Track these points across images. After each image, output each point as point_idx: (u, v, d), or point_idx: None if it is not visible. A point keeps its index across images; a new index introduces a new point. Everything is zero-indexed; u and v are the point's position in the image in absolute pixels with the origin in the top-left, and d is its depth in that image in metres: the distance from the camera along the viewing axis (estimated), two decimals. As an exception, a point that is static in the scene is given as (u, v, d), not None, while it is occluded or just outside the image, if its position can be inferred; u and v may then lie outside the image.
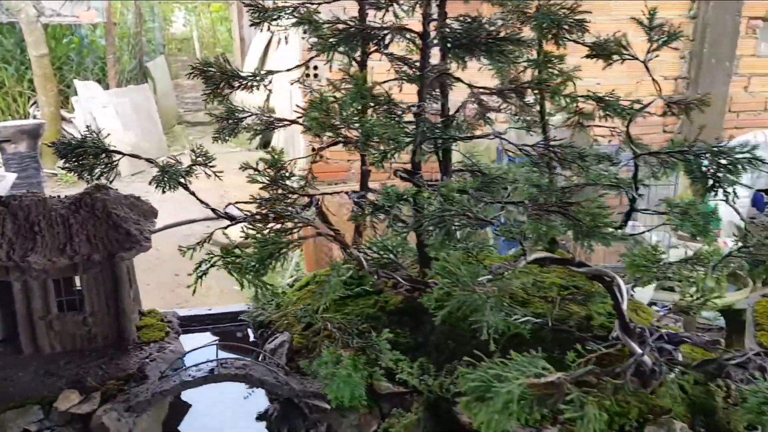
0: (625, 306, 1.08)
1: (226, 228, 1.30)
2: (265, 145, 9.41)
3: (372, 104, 1.27)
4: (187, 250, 1.24)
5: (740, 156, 1.18)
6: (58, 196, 1.44)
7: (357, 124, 1.29)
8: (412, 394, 1.27)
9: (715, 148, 1.19)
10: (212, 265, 1.18)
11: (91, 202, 1.41)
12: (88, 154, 1.38)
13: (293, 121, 1.63)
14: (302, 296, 1.59)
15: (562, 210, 1.16)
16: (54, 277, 1.39)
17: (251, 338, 1.64)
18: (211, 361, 1.28)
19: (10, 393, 1.30)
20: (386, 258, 1.31)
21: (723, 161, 1.19)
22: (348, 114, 1.21)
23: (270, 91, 9.53)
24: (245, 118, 1.67)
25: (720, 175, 1.17)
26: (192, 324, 1.71)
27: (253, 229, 1.17)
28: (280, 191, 1.33)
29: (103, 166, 1.39)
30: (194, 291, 1.19)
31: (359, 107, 1.27)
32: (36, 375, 1.35)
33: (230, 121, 1.67)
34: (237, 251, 1.14)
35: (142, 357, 1.41)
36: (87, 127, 1.43)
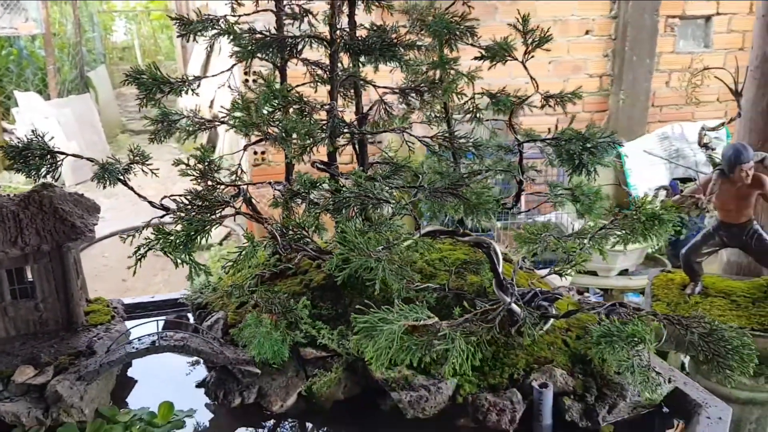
0: (500, 267, 1.28)
1: (161, 218, 1.46)
2: (212, 148, 9.49)
3: (283, 104, 1.45)
4: (127, 237, 1.40)
5: (601, 140, 1.40)
6: (8, 195, 1.57)
7: (276, 122, 1.47)
8: (332, 357, 1.45)
9: (580, 135, 1.41)
10: (149, 248, 1.34)
11: (38, 199, 1.55)
12: (34, 155, 1.52)
13: (222, 122, 1.78)
14: (237, 279, 1.76)
15: (452, 191, 1.36)
16: (7, 267, 1.54)
17: (191, 321, 1.81)
18: (152, 334, 1.44)
19: (-33, 372, 1.44)
20: (299, 234, 1.48)
21: (588, 145, 1.40)
22: (266, 113, 1.39)
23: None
24: (178, 120, 1.81)
25: (584, 156, 1.39)
26: (136, 310, 1.86)
27: (183, 212, 1.33)
28: (209, 183, 1.50)
29: (48, 166, 1.54)
30: (134, 272, 1.35)
31: (279, 107, 1.44)
32: (-9, 356, 1.49)
33: (164, 124, 1.81)
34: (167, 229, 1.31)
35: (91, 337, 1.56)
36: (32, 131, 1.57)
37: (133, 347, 1.42)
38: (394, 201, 1.28)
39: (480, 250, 1.44)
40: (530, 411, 1.35)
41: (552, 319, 1.32)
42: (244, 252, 1.28)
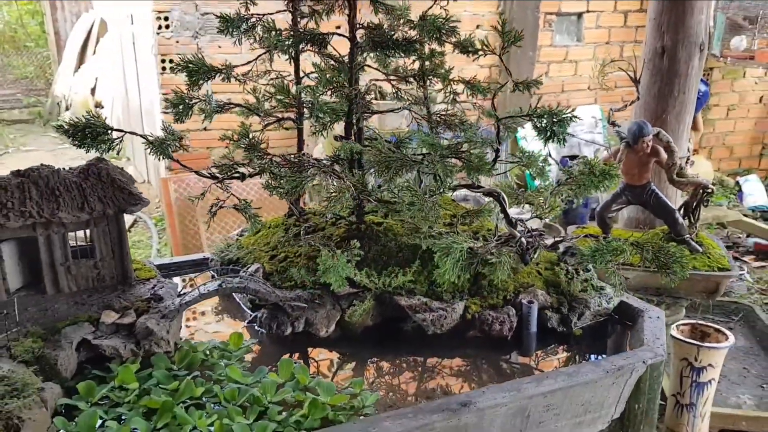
0: (507, 209, 1.70)
1: (219, 182, 1.75)
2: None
3: (331, 89, 1.77)
4: (195, 200, 1.68)
5: (565, 115, 1.84)
6: (69, 168, 1.79)
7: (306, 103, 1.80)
8: (363, 292, 1.80)
9: (550, 111, 1.84)
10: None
11: (96, 171, 1.79)
12: (95, 133, 1.76)
13: (238, 104, 2.06)
14: (257, 240, 2.06)
15: (458, 155, 1.75)
16: (71, 230, 1.76)
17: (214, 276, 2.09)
18: (217, 279, 1.73)
19: (54, 318, 1.66)
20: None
21: (555, 119, 1.84)
22: (316, 96, 1.71)
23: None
24: (196, 102, 2.06)
25: (554, 128, 1.82)
26: (161, 270, 2.11)
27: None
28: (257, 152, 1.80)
29: (107, 143, 1.77)
30: (209, 225, 1.64)
31: (328, 91, 1.77)
32: (69, 306, 1.72)
33: (181, 107, 2.06)
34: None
35: (148, 287, 1.82)
36: (88, 112, 1.79)
37: (206, 289, 1.70)
38: (420, 163, 1.66)
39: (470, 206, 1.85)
40: (521, 322, 1.78)
41: (541, 249, 1.75)
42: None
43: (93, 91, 9.61)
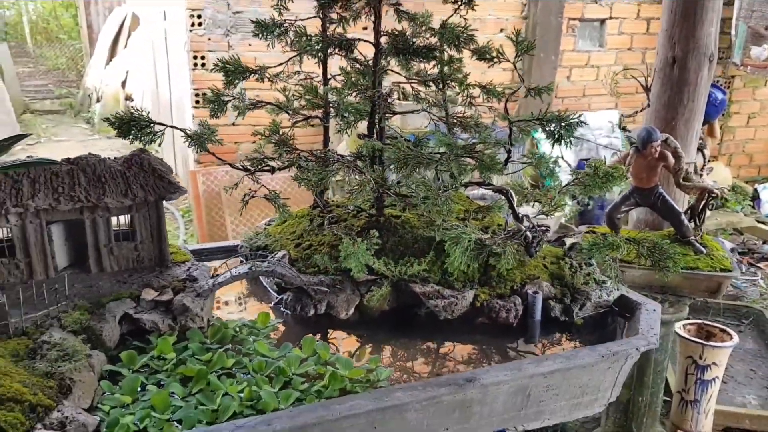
0: (516, 205, 1.84)
1: (250, 174, 1.91)
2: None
3: (358, 91, 1.92)
4: (230, 188, 1.83)
5: (573, 120, 1.97)
6: (114, 158, 1.96)
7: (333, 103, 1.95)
8: (380, 279, 1.95)
9: (558, 116, 1.97)
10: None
11: (139, 161, 1.95)
12: (139, 126, 1.92)
13: (269, 103, 2.21)
14: (284, 229, 2.22)
15: (471, 155, 1.89)
16: (114, 215, 1.93)
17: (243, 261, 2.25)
18: (247, 263, 1.89)
19: (99, 294, 1.83)
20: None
21: (563, 124, 1.97)
22: (341, 97, 1.85)
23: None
24: (229, 101, 2.21)
25: (562, 132, 1.95)
26: (194, 255, 2.27)
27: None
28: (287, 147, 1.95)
29: (149, 135, 1.94)
30: (241, 213, 1.80)
31: (355, 92, 1.91)
32: (111, 283, 1.88)
33: (216, 103, 2.21)
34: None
35: (184, 269, 1.98)
36: (132, 106, 1.95)
37: (237, 271, 1.86)
38: (436, 161, 1.80)
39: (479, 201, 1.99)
40: (526, 310, 1.92)
41: (544, 242, 1.88)
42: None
43: (123, 84, 9.86)
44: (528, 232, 1.81)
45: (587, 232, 3.15)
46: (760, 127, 7.37)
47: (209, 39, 4.93)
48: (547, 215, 1.96)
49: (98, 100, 10.10)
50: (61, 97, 11.56)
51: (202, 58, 4.99)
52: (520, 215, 1.85)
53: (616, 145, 5.40)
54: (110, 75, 9.88)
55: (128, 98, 9.54)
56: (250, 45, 5.04)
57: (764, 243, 6.13)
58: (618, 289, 1.99)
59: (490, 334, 1.91)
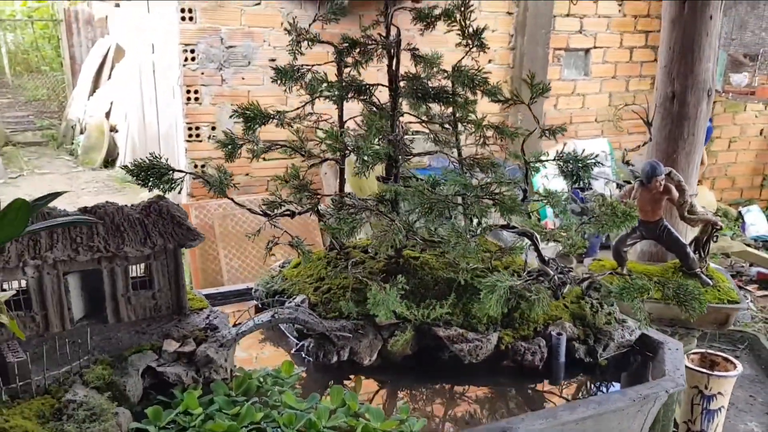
0: (541, 248, 1.84)
1: (270, 219, 1.89)
2: (106, 162, 9.46)
3: (379, 135, 1.92)
4: (253, 236, 1.82)
5: (589, 161, 1.99)
6: (131, 205, 1.93)
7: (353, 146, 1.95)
8: (404, 322, 1.93)
9: (576, 156, 1.99)
10: (276, 243, 1.77)
11: (157, 208, 1.93)
12: (158, 173, 1.90)
13: (284, 145, 2.20)
14: (300, 272, 2.20)
15: (493, 197, 1.90)
16: (133, 263, 1.90)
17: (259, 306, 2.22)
18: (269, 310, 1.87)
19: (118, 346, 1.79)
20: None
21: (580, 164, 1.99)
22: (365, 142, 1.85)
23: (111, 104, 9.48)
24: (242, 144, 2.20)
25: (579, 172, 1.97)
26: (208, 300, 2.24)
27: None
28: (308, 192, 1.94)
29: (168, 183, 1.92)
30: (265, 260, 1.78)
31: (376, 136, 1.91)
32: (130, 334, 1.85)
33: (230, 146, 2.20)
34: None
35: (203, 317, 1.95)
36: (151, 153, 1.94)
37: (260, 320, 1.84)
38: (460, 204, 1.80)
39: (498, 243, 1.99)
40: (551, 352, 1.92)
41: (572, 286, 1.89)
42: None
43: (108, 115, 9.79)
44: (555, 276, 1.82)
45: (602, 274, 3.18)
46: (741, 150, 7.50)
47: (202, 73, 4.92)
48: (568, 255, 1.97)
49: (82, 132, 10.01)
50: (43, 129, 11.44)
51: (195, 92, 4.97)
52: (546, 258, 1.86)
53: (608, 174, 5.46)
54: (94, 106, 9.81)
55: (113, 129, 9.46)
56: (243, 78, 5.04)
57: (752, 266, 6.21)
58: (640, 329, 2.00)
59: (515, 376, 1.90)
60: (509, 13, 6.00)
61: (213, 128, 5.09)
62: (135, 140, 8.35)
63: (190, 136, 5.04)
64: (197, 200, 5.14)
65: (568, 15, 6.17)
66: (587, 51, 6.39)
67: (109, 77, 9.95)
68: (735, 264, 6.26)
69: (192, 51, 4.85)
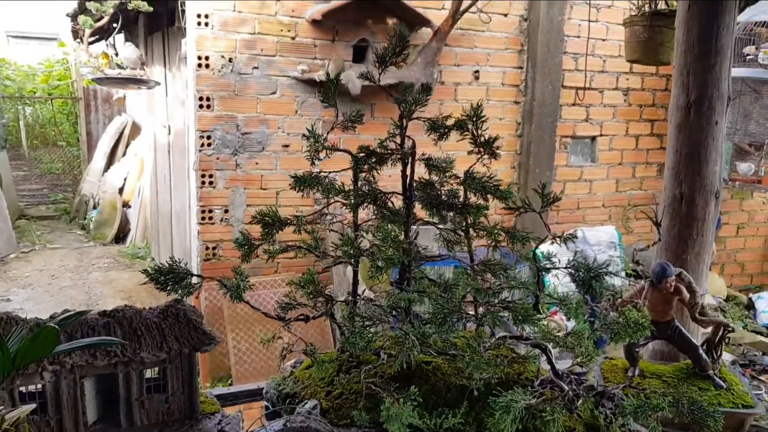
0: (554, 360, 1.85)
1: (285, 324, 1.92)
2: (117, 238, 9.56)
3: (395, 247, 1.96)
4: (267, 341, 1.84)
5: (602, 271, 2.02)
6: (149, 309, 1.96)
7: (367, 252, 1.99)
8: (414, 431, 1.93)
9: (587, 265, 2.02)
10: (290, 350, 1.78)
11: (174, 312, 1.96)
12: (177, 278, 1.94)
13: (299, 246, 2.24)
14: (311, 374, 2.20)
15: (507, 306, 1.92)
16: (148, 367, 1.91)
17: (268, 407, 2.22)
18: (282, 418, 1.87)
19: (131, 454, 1.79)
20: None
21: (592, 274, 2.02)
22: (382, 251, 1.89)
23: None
24: (259, 245, 2.24)
25: (591, 282, 2.00)
26: (219, 399, 2.24)
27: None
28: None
29: (187, 288, 1.95)
30: (278, 368, 1.79)
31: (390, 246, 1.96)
32: (144, 440, 1.85)
33: (246, 247, 2.23)
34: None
35: (214, 422, 1.95)
36: (171, 257, 1.98)
37: (272, 428, 1.83)
38: (473, 315, 1.82)
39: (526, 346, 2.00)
40: (565, 466, 1.90)
41: (587, 399, 1.89)
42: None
43: (121, 191, 9.96)
44: (570, 391, 1.82)
45: (616, 387, 3.17)
46: (749, 236, 7.53)
47: (218, 158, 5.04)
48: (581, 366, 1.98)
49: (95, 207, 10.16)
50: (57, 203, 11.62)
51: (210, 176, 5.08)
52: (560, 372, 1.86)
53: (617, 262, 5.49)
54: (108, 182, 9.99)
55: (125, 205, 9.61)
56: (257, 163, 5.15)
57: (764, 354, 6.14)
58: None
59: (529, 490, 1.88)
60: (516, 102, 6.16)
61: (226, 211, 5.17)
62: (147, 217, 8.46)
63: (203, 218, 5.11)
64: (206, 282, 5.16)
65: (574, 104, 6.32)
66: (594, 138, 6.52)
67: (124, 153, 10.18)
68: (747, 353, 6.19)
69: (208, 137, 4.99)
